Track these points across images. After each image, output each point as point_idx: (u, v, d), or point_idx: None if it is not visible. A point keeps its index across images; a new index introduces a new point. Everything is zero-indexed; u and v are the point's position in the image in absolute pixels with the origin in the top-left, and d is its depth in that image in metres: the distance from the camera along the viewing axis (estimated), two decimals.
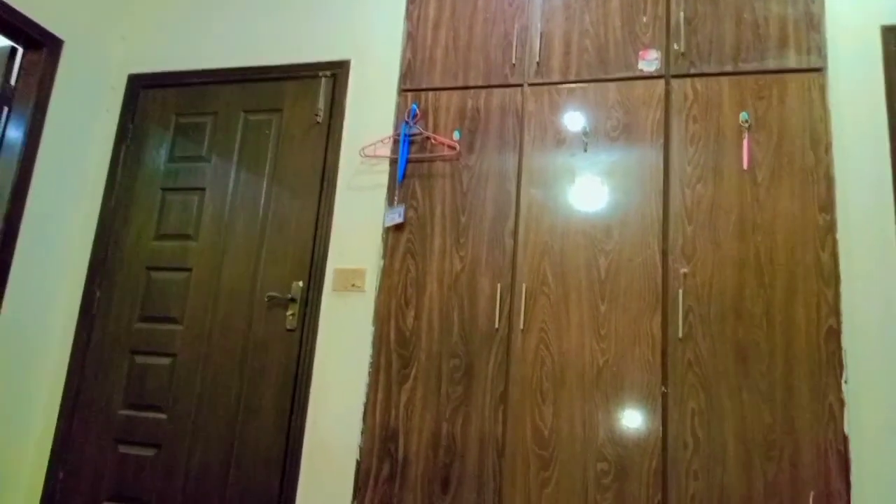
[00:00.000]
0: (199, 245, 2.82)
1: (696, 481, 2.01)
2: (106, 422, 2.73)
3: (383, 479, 2.27)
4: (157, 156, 2.99)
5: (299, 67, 2.88)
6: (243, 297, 2.70)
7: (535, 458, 2.15)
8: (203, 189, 2.88)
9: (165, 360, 2.73)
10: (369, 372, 2.39)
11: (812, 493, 1.92)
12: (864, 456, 2.01)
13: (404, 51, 2.66)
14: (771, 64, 2.25)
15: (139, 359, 2.77)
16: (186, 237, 2.84)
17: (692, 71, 2.32)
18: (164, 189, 2.93)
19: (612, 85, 2.40)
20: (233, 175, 2.86)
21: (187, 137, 2.97)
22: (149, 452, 2.65)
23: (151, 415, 2.69)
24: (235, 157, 2.87)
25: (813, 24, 2.24)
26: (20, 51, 2.82)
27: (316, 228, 2.67)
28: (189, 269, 2.80)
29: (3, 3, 2.64)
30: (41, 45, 2.82)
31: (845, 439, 1.94)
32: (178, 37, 3.14)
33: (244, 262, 2.74)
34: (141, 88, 3.10)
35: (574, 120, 2.40)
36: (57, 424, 2.77)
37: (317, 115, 2.80)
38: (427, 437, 2.27)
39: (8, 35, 2.76)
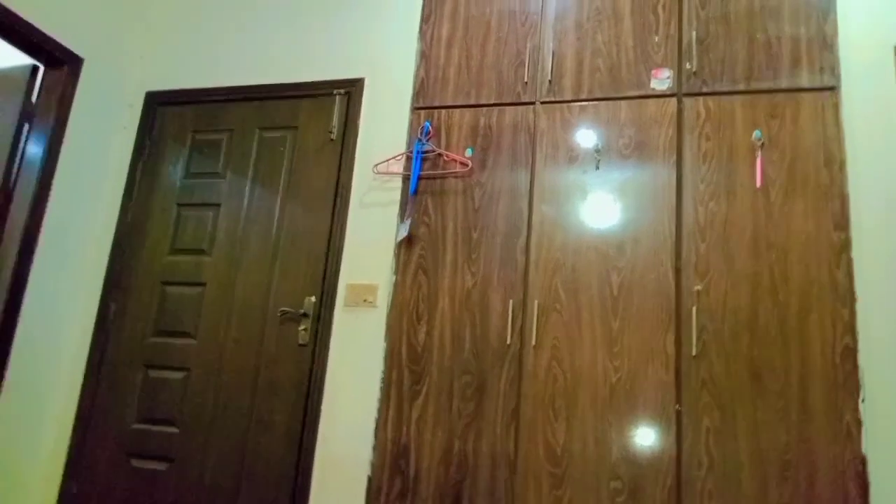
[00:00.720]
0: (214, 260, 2.84)
1: (711, 501, 1.98)
2: (119, 436, 2.74)
3: (394, 495, 2.27)
4: (174, 172, 3.03)
5: (314, 85, 2.92)
6: (256, 312, 2.71)
7: (547, 475, 2.14)
8: (218, 205, 2.91)
9: (179, 375, 2.74)
10: (381, 388, 2.39)
11: None
12: (884, 477, 1.97)
13: (417, 69, 2.70)
14: (784, 83, 2.26)
15: (153, 373, 2.78)
16: (201, 252, 2.87)
17: (704, 90, 2.33)
18: (179, 204, 2.97)
19: (623, 103, 2.41)
20: (247, 191, 2.89)
21: (203, 154, 3.01)
22: (161, 467, 2.66)
23: (164, 429, 2.70)
24: (250, 174, 2.91)
25: (826, 43, 2.25)
26: (41, 68, 2.88)
27: (329, 244, 2.69)
28: (203, 284, 2.82)
29: (26, 21, 2.70)
30: (62, 63, 2.87)
31: (863, 460, 1.91)
32: (195, 55, 3.19)
33: (257, 277, 2.76)
34: (158, 105, 3.15)
35: (586, 137, 2.42)
36: (70, 438, 2.78)
37: (331, 132, 2.83)
38: (438, 454, 2.26)
39: (30, 53, 2.81)
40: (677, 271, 2.19)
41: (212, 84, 3.09)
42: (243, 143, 2.96)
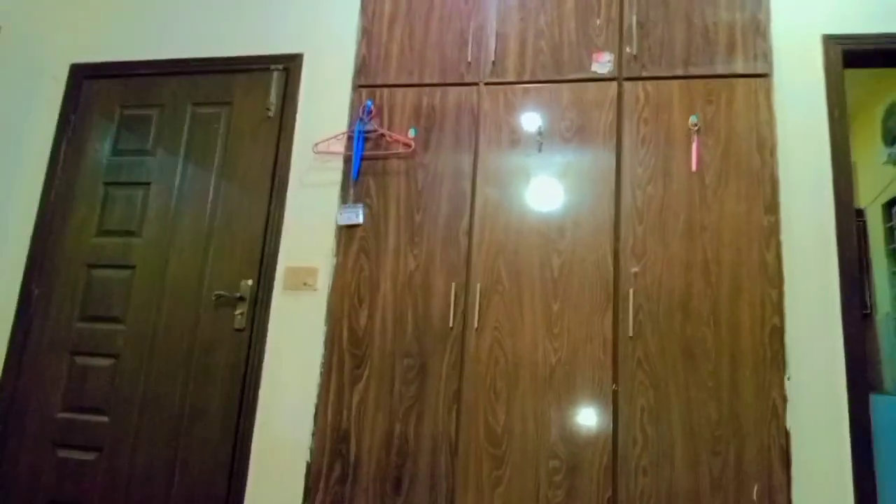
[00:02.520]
0: (144, 242, 2.72)
1: (645, 477, 2.04)
2: (43, 425, 2.61)
3: (334, 480, 2.24)
4: (101, 149, 2.87)
5: (250, 59, 2.81)
6: (189, 295, 2.61)
7: (487, 457, 2.15)
8: (148, 184, 2.78)
9: (107, 362, 2.62)
10: (321, 372, 2.35)
11: (756, 487, 1.97)
12: (805, 450, 2.07)
13: (359, 46, 2.63)
14: (719, 68, 2.31)
15: (79, 360, 2.66)
16: (130, 234, 2.74)
17: (644, 74, 2.36)
18: (106, 183, 2.82)
19: (565, 86, 2.41)
20: (179, 169, 2.77)
21: (132, 130, 2.86)
22: (90, 456, 2.54)
23: (92, 417, 2.58)
24: (182, 151, 2.78)
25: (759, 30, 2.30)
26: None
27: (266, 225, 2.61)
28: (132, 267, 2.70)
29: None
30: None
31: (787, 434, 2.00)
32: (124, 26, 3.03)
33: (191, 259, 2.65)
34: (84, 78, 2.98)
35: (529, 120, 2.41)
36: None
37: (268, 109, 2.73)
38: (379, 438, 2.24)
39: None
40: (616, 253, 2.22)
41: (142, 57, 2.94)
42: (175, 119, 2.83)
